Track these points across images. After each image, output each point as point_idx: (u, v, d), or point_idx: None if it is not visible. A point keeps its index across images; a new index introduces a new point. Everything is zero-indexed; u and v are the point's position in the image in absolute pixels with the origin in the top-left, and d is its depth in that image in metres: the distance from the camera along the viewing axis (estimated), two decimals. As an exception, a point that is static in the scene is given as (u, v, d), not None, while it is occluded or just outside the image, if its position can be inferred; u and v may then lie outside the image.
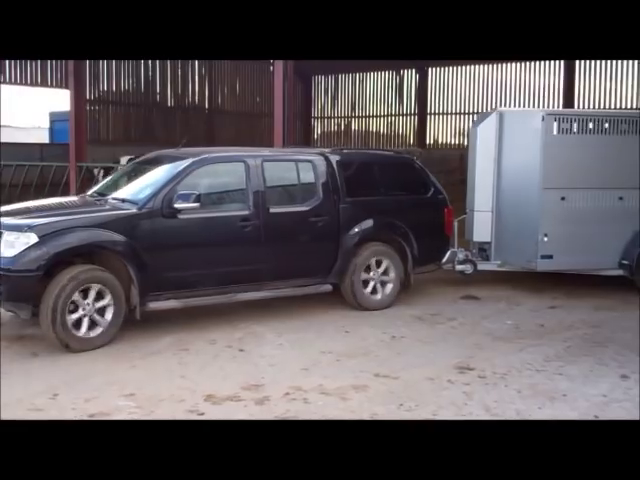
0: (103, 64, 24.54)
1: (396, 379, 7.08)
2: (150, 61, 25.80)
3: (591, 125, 10.75)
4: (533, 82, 26.95)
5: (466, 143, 28.26)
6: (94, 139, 22.92)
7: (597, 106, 25.61)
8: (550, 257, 10.63)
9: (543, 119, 10.64)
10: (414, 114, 30.29)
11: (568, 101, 25.56)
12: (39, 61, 22.85)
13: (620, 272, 10.85)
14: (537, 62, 26.49)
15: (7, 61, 22.12)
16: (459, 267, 11.08)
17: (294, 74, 14.11)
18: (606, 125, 10.78)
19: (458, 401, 6.52)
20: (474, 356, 7.79)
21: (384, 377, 7.13)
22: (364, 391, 6.75)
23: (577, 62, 25.30)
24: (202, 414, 6.17)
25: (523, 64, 26.90)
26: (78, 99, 17.52)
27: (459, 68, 28.60)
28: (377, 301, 9.87)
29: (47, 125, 31.06)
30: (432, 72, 29.49)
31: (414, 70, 29.69)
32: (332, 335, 8.60)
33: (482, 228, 11.24)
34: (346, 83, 32.08)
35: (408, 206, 10.36)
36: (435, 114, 29.76)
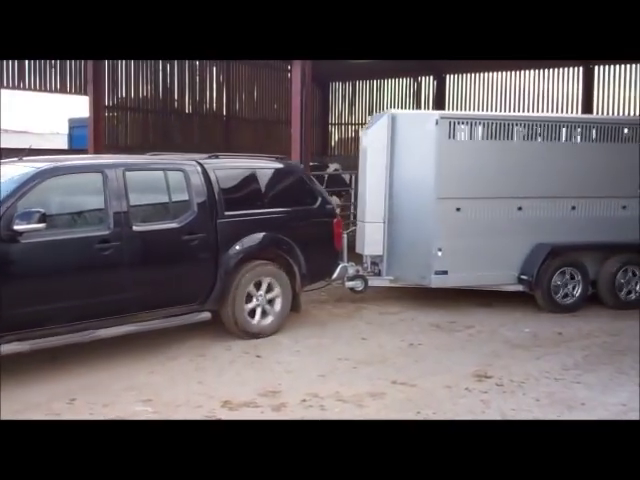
0: (122, 71, 24.63)
1: (413, 386, 7.06)
2: (169, 68, 25.88)
3: (491, 130, 10.07)
4: (551, 89, 26.84)
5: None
6: (112, 145, 22.97)
7: (616, 113, 25.48)
8: (445, 273, 9.94)
9: (437, 122, 9.84)
10: (432, 121, 30.21)
11: (587, 108, 25.43)
12: (58, 68, 22.94)
13: (520, 288, 10.31)
14: (555, 69, 26.37)
15: (27, 68, 22.22)
16: (349, 284, 10.23)
17: (312, 80, 14.11)
18: (508, 130, 10.12)
19: (476, 409, 6.49)
20: (492, 364, 7.76)
21: (401, 384, 7.12)
22: (381, 398, 6.74)
23: (596, 69, 25.17)
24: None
25: (541, 71, 26.76)
26: (97, 105, 17.62)
27: (477, 75, 28.49)
28: (263, 327, 8.77)
29: (66, 131, 31.23)
30: (450, 79, 29.42)
31: (432, 77, 29.64)
32: (349, 342, 8.59)
33: (373, 241, 10.47)
34: (364, 89, 32.02)
35: (295, 219, 9.25)
36: (453, 121, 29.70)
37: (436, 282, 9.98)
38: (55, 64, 22.87)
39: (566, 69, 26.06)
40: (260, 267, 8.73)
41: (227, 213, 8.51)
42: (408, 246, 10.26)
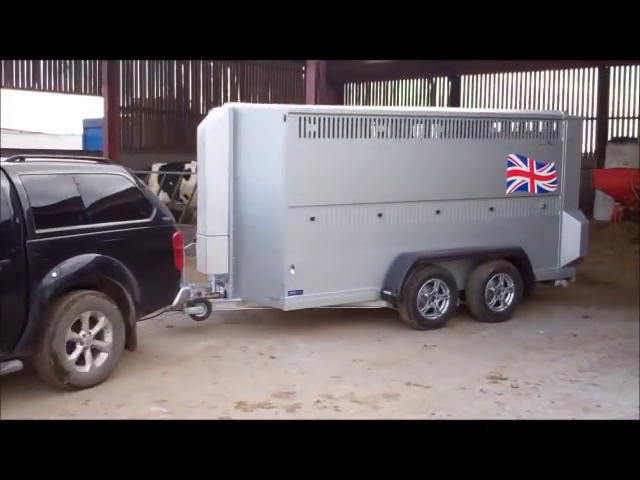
0: (136, 72, 24.72)
1: (428, 388, 7.05)
2: (183, 68, 25.94)
3: (348, 127, 8.83)
4: (567, 90, 26.75)
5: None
6: (127, 146, 23.06)
7: (632, 114, 25.37)
8: (299, 293, 8.67)
9: (285, 119, 8.46)
10: (446, 122, 30.16)
11: (602, 109, 25.34)
12: (73, 69, 23.05)
13: (383, 304, 9.28)
14: (571, 70, 26.28)
15: (42, 69, 22.34)
16: (190, 310, 8.78)
17: (326, 81, 14.13)
18: (366, 127, 8.96)
19: (491, 411, 6.47)
20: (506, 366, 7.74)
21: (416, 386, 7.11)
22: (395, 400, 6.73)
23: (612, 69, 25.07)
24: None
25: (557, 72, 26.69)
26: (111, 106, 17.70)
27: (491, 76, 28.43)
28: (90, 374, 6.99)
29: (81, 132, 31.35)
30: (464, 80, 29.37)
31: (446, 77, 29.59)
32: (363, 343, 8.58)
33: (217, 258, 9.02)
34: (378, 90, 32.03)
35: (125, 235, 7.54)
36: (467, 122, 29.63)
37: (290, 304, 8.67)
38: (69, 65, 22.98)
39: (581, 70, 25.98)
40: (84, 298, 6.94)
41: (39, 231, 6.75)
42: (257, 263, 8.92)
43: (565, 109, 26.09)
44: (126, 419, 6.20)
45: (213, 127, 9.03)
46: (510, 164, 9.94)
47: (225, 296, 9.20)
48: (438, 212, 9.47)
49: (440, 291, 9.31)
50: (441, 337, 8.88)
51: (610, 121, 25.24)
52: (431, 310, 9.25)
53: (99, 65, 21.24)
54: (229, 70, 27.71)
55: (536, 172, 10.16)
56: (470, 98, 29.39)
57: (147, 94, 25.29)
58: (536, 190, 10.19)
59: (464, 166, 9.63)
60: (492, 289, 9.66)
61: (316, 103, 13.63)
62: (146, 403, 6.58)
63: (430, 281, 9.23)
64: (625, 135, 24.25)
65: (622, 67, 24.69)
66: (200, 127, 9.20)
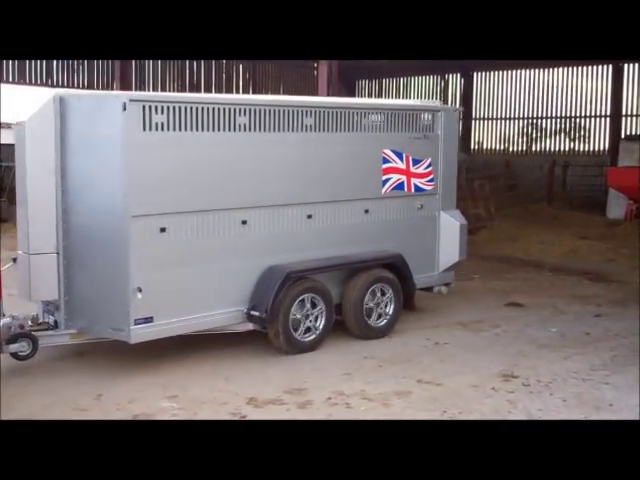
0: (149, 68, 24.78)
1: (439, 386, 7.04)
2: (195, 66, 25.99)
3: (206, 118, 7.41)
4: (580, 87, 26.65)
5: (512, 148, 28.12)
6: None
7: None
8: (149, 320, 7.14)
9: (125, 108, 6.87)
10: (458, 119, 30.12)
11: (616, 106, 25.24)
12: (86, 65, 23.12)
13: (250, 327, 7.91)
14: (584, 67, 26.19)
15: (55, 65, 22.41)
16: (11, 347, 7.03)
17: (338, 78, 14.11)
18: (229, 118, 7.57)
19: (502, 409, 6.46)
20: (518, 364, 7.71)
21: (427, 383, 7.09)
22: (407, 397, 6.72)
23: (626, 66, 24.96)
24: (244, 417, 6.19)
25: (570, 69, 26.60)
26: (124, 103, 17.66)
27: (505, 73, 28.35)
28: None
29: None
30: (477, 76, 29.29)
31: (459, 74, 29.53)
32: (374, 340, 8.56)
33: (43, 280, 7.22)
34: (390, 87, 32.00)
35: None
36: (480, 119, 29.57)
37: (137, 335, 7.11)
38: (83, 62, 23.04)
39: (595, 67, 25.87)
40: None
41: None
42: (95, 286, 7.27)
43: (579, 106, 26.01)
44: (131, 419, 6.21)
45: (34, 121, 7.12)
46: (385, 160, 8.95)
47: (56, 327, 7.37)
48: (310, 217, 8.31)
49: (314, 306, 8.14)
50: (453, 335, 8.87)
51: (624, 119, 25.12)
52: (307, 330, 8.08)
53: (112, 62, 21.29)
54: (241, 67, 27.74)
55: (412, 169, 9.24)
56: (483, 95, 29.32)
57: (159, 91, 25.32)
58: (413, 189, 9.29)
59: (337, 163, 8.54)
60: (371, 302, 8.64)
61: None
62: (157, 398, 6.60)
63: (304, 297, 8.03)
64: (639, 133, 24.13)
65: (636, 64, 24.56)
66: (17, 121, 7.26)
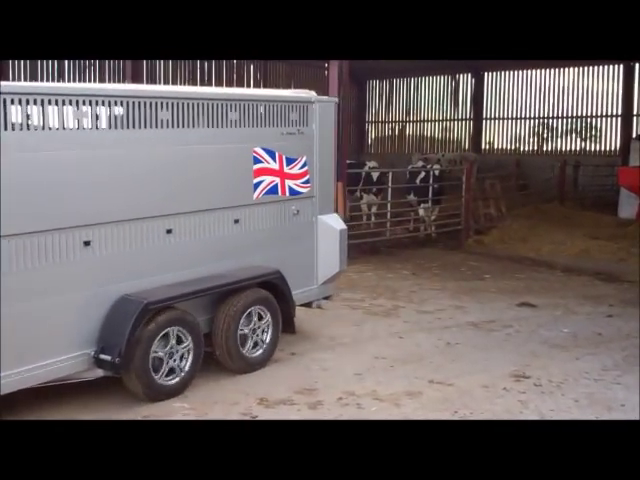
0: (160, 68, 24.83)
1: (450, 386, 7.02)
2: (206, 65, 26.02)
3: (58, 112, 5.95)
4: (591, 87, 26.57)
5: (523, 148, 28.05)
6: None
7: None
8: None
9: None
10: (469, 119, 30.07)
11: (627, 106, 25.16)
12: (97, 64, 23.18)
13: (100, 373, 6.42)
14: (595, 67, 26.11)
15: (66, 64, 22.48)
16: None
17: (348, 78, 14.10)
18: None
19: (514, 409, 6.44)
20: (530, 364, 7.69)
21: (438, 384, 7.08)
22: (418, 397, 6.71)
23: (637, 66, 24.87)
24: (255, 417, 6.19)
25: (581, 69, 26.52)
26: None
27: (516, 73, 28.29)
28: None
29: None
30: (488, 76, 29.23)
31: (470, 74, 29.47)
32: (386, 340, 8.56)
33: None
34: (401, 87, 31.96)
35: None
36: (491, 119, 29.52)
37: None
38: (94, 62, 23.10)
39: (606, 67, 25.80)
40: None
41: None
42: None
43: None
44: (141, 419, 6.22)
45: None
46: (257, 160, 7.68)
47: None
48: (169, 232, 6.87)
49: (179, 342, 6.76)
50: (464, 335, 8.84)
51: (635, 118, 25.04)
52: (171, 371, 6.71)
53: (123, 61, 21.33)
54: (252, 67, 27.77)
55: (286, 170, 8.01)
56: (494, 95, 29.27)
57: (170, 91, 25.36)
58: (287, 192, 8.04)
59: (200, 166, 7.16)
60: (246, 328, 7.38)
61: (339, 100, 13.60)
62: (169, 399, 6.60)
63: (167, 331, 6.62)
64: (650, 133, 24.05)
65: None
66: None
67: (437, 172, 17.03)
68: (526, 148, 28.67)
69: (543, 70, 27.26)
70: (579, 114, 27.06)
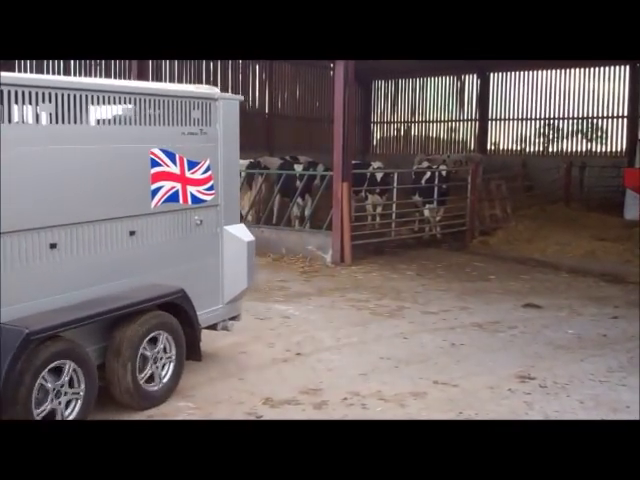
0: (166, 68, 24.86)
1: (455, 387, 7.02)
2: (212, 65, 26.05)
3: None
4: (597, 88, 26.55)
5: (529, 149, 28.03)
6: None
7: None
8: None
9: None
10: (475, 119, 30.07)
11: (633, 107, 25.13)
12: (103, 64, 23.21)
13: None
14: (601, 68, 26.09)
15: (72, 64, 22.50)
16: None
17: (354, 79, 14.11)
18: None
19: (519, 410, 6.44)
20: (535, 365, 7.68)
21: (443, 384, 7.07)
22: (423, 398, 6.71)
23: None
24: (260, 417, 6.19)
25: (587, 69, 26.51)
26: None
27: (521, 73, 28.30)
28: None
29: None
30: (494, 77, 29.23)
31: (475, 75, 29.47)
32: (391, 341, 8.56)
33: None
34: (406, 88, 31.97)
35: None
36: (496, 120, 29.51)
37: None
38: (100, 62, 23.13)
39: (612, 67, 25.78)
40: None
41: None
42: None
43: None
44: (146, 419, 6.22)
45: None
46: (155, 163, 6.71)
47: None
48: (53, 246, 5.86)
49: (71, 384, 5.72)
50: (469, 336, 8.84)
51: (641, 120, 25.04)
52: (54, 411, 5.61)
53: (129, 62, 21.37)
54: (257, 67, 27.78)
55: (188, 174, 7.07)
56: (499, 96, 29.25)
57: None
58: (189, 200, 7.11)
59: (89, 169, 6.14)
60: (145, 358, 6.38)
61: (345, 100, 13.61)
62: (173, 398, 6.60)
63: (54, 365, 5.57)
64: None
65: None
66: None
67: (444, 173, 17.03)
68: (532, 149, 28.67)
69: (549, 71, 27.25)
70: (585, 115, 27.05)
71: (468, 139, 30.73)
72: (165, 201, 6.84)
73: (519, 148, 29.21)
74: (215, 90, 7.54)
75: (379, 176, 17.08)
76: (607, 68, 25.96)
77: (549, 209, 19.63)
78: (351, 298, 10.58)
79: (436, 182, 16.77)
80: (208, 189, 7.32)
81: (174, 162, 6.90)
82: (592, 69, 26.32)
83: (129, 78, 20.97)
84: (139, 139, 6.59)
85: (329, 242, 13.67)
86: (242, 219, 15.49)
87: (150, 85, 7.25)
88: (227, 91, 26.71)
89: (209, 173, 7.29)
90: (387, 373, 7.42)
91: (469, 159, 24.30)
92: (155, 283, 6.71)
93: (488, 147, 29.70)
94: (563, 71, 26.98)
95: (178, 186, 6.97)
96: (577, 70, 26.65)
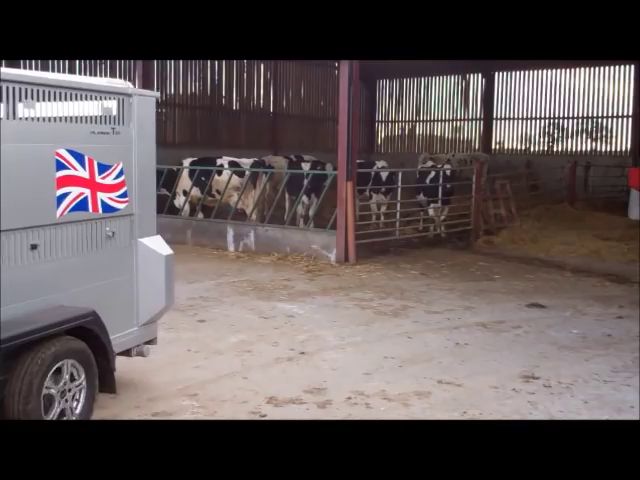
0: (171, 68, 24.87)
1: (459, 386, 7.01)
2: (217, 65, 26.06)
3: None
4: (602, 88, 26.52)
5: (534, 148, 28.01)
6: (160, 141, 23.25)
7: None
8: None
9: None
10: (479, 119, 30.06)
11: (638, 107, 25.09)
12: (108, 64, 23.23)
13: None
14: (606, 67, 26.06)
15: (77, 63, 22.52)
16: None
17: (359, 78, 14.10)
18: None
19: (523, 410, 6.43)
20: (539, 365, 7.67)
21: (447, 384, 7.07)
22: (427, 398, 6.70)
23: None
24: (264, 416, 6.19)
25: (592, 69, 26.48)
26: (146, 102, 17.70)
27: (526, 73, 28.28)
28: None
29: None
30: (498, 76, 29.22)
31: (480, 74, 29.46)
32: (395, 340, 8.55)
33: None
34: (411, 87, 31.97)
35: None
36: (501, 119, 29.49)
37: None
38: (104, 61, 23.16)
39: (617, 67, 25.75)
40: None
41: None
42: None
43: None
44: (150, 419, 6.23)
45: None
46: (60, 166, 5.75)
47: None
48: None
49: None
50: (473, 335, 8.83)
51: (646, 119, 25.01)
52: None
53: (134, 61, 21.40)
54: (262, 66, 27.78)
55: (99, 179, 6.10)
56: (504, 95, 29.22)
57: (181, 90, 25.41)
58: (100, 208, 6.12)
59: None
60: (53, 391, 5.43)
61: (349, 100, 13.62)
62: (177, 397, 6.61)
63: None
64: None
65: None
66: None
67: (448, 172, 17.02)
68: (536, 148, 28.67)
69: (554, 70, 27.24)
70: (590, 114, 27.03)
71: (473, 138, 30.73)
72: (72, 210, 5.87)
73: (524, 147, 29.21)
74: (129, 85, 6.67)
75: (384, 175, 17.09)
76: (612, 68, 25.92)
77: (554, 209, 19.60)
78: (355, 297, 10.58)
79: (440, 181, 16.78)
80: (121, 196, 6.37)
81: (82, 165, 5.94)
82: (597, 69, 26.29)
83: (133, 78, 21.00)
84: (42, 138, 5.64)
85: (333, 241, 13.67)
86: (247, 218, 15.64)
87: (55, 76, 6.34)
88: (232, 89, 26.73)
89: (122, 178, 6.34)
90: (391, 372, 7.42)
91: (474, 158, 24.29)
92: (62, 305, 5.74)
93: (493, 146, 29.69)
94: (568, 70, 26.96)
95: (87, 192, 5.98)
96: (582, 69, 26.62)
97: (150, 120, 6.74)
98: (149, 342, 6.76)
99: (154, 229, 6.76)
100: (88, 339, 5.74)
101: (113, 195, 6.27)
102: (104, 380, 5.91)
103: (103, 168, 6.11)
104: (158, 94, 7.06)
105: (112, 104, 6.26)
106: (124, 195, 6.37)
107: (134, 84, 22.09)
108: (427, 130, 31.99)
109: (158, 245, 6.66)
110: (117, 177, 6.29)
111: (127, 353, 6.54)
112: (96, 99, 6.12)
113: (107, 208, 6.20)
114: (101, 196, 6.13)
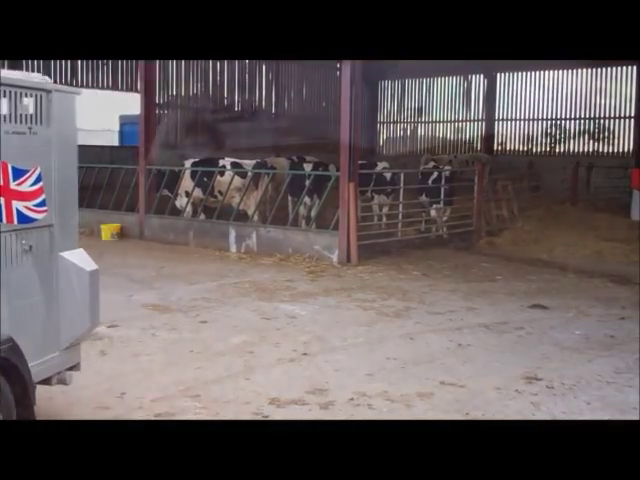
0: (173, 69, 24.89)
1: (462, 387, 7.00)
2: (218, 66, 26.08)
3: None
4: (604, 88, 26.50)
5: (536, 149, 27.99)
6: (163, 142, 23.24)
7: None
8: None
9: None
10: (481, 120, 30.04)
11: (640, 107, 25.10)
12: (110, 65, 23.26)
13: None
14: (608, 68, 26.03)
15: (80, 65, 22.55)
16: None
17: (361, 79, 14.10)
18: None
19: (525, 411, 6.42)
20: (542, 366, 7.66)
21: (450, 385, 7.06)
22: (429, 399, 6.70)
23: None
24: (266, 417, 6.19)
25: (594, 70, 26.46)
26: (148, 103, 17.74)
27: (528, 74, 28.27)
28: None
29: (117, 128, 31.60)
30: (500, 77, 29.20)
31: (482, 75, 29.44)
32: (397, 341, 8.55)
33: None
34: (413, 88, 31.96)
35: None
36: (503, 120, 29.48)
37: None
38: (107, 62, 23.19)
39: (619, 68, 25.73)
40: None
41: None
42: None
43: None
44: (153, 419, 6.23)
45: None
46: None
47: None
48: None
49: None
50: (476, 336, 8.82)
51: (649, 120, 24.99)
52: None
53: (136, 62, 21.42)
54: (264, 67, 27.80)
55: (13, 185, 5.23)
56: (506, 96, 29.21)
57: (183, 91, 25.44)
58: (15, 219, 5.23)
59: None
60: None
61: (351, 101, 13.61)
62: (180, 397, 6.61)
63: None
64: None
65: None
66: None
67: (447, 173, 17.01)
68: (538, 149, 28.64)
69: (556, 71, 27.22)
70: (592, 115, 27.00)
71: (475, 139, 30.70)
72: None
73: (526, 148, 29.17)
74: (47, 80, 5.82)
75: (387, 176, 17.08)
76: (614, 68, 25.90)
77: (556, 209, 19.58)
78: (357, 298, 10.57)
79: (442, 182, 16.77)
80: (39, 205, 5.47)
81: None
82: (599, 69, 26.26)
83: (136, 75, 21.00)
84: None
85: (335, 242, 13.67)
86: (248, 219, 15.64)
87: None
88: (234, 90, 26.75)
89: (40, 184, 5.45)
90: (393, 373, 7.42)
91: (476, 159, 24.28)
92: None
93: (495, 147, 29.66)
94: (570, 71, 26.94)
95: (1, 201, 5.14)
96: (584, 70, 26.60)
97: (72, 119, 5.93)
98: (71, 368, 5.84)
99: (75, 241, 5.91)
100: (4, 370, 4.87)
101: (30, 204, 5.41)
102: (24, 414, 5.12)
103: (19, 173, 5.27)
104: (80, 91, 6.23)
105: (29, 101, 5.47)
106: (42, 204, 5.49)
107: (136, 85, 22.12)
108: (429, 131, 31.98)
109: (81, 260, 5.77)
110: (34, 183, 5.43)
111: (47, 382, 5.65)
112: (10, 95, 5.27)
113: (23, 218, 5.32)
114: (16, 205, 5.28)
